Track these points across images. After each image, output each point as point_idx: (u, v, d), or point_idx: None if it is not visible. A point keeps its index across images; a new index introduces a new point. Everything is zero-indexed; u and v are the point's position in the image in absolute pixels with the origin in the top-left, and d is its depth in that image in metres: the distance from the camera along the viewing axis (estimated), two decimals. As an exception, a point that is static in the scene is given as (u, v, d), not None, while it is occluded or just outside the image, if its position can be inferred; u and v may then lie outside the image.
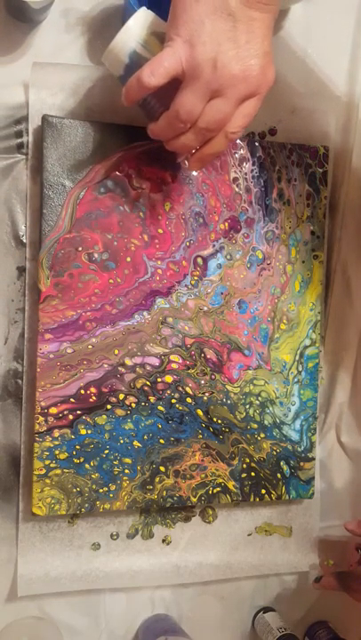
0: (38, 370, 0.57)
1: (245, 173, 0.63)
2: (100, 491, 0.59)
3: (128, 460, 0.60)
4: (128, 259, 0.59)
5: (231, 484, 0.64)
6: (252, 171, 0.63)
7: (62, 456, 0.58)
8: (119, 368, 0.59)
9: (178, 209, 0.61)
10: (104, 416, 0.59)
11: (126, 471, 0.60)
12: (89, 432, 0.59)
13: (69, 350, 0.58)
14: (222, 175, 0.62)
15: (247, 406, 0.64)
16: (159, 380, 0.61)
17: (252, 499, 0.65)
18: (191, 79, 0.45)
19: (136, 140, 0.58)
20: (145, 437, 0.60)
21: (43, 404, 0.57)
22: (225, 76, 0.45)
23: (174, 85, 0.47)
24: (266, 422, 0.65)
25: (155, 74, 0.45)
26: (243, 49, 0.45)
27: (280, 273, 0.65)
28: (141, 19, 0.50)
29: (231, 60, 0.45)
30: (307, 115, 0.66)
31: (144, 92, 0.47)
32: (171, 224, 0.60)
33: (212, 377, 0.62)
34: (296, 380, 0.66)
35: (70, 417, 0.58)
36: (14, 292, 0.59)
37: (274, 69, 0.48)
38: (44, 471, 0.58)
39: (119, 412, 0.60)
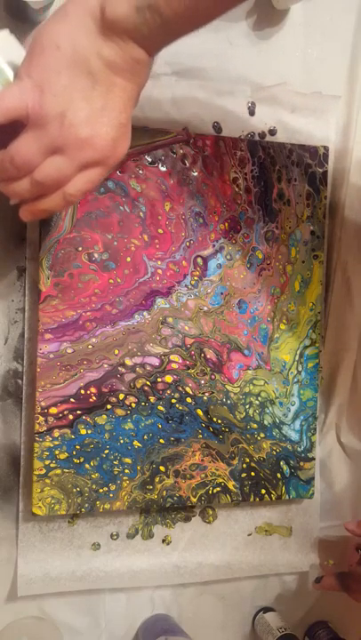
0: (38, 370, 0.57)
1: (245, 173, 0.63)
2: (100, 491, 0.59)
3: (128, 460, 0.60)
4: (128, 259, 0.59)
5: (231, 484, 0.64)
6: (252, 171, 0.63)
7: (62, 456, 0.58)
8: (119, 368, 0.59)
9: (178, 209, 0.61)
10: (104, 416, 0.59)
11: (126, 471, 0.60)
12: (89, 432, 0.59)
13: (69, 350, 0.58)
14: (222, 175, 0.62)
15: (247, 406, 0.64)
16: (159, 379, 0.61)
17: (252, 499, 0.65)
18: (35, 127, 0.41)
19: (136, 140, 0.58)
20: (145, 437, 0.60)
21: (43, 403, 0.57)
22: (71, 137, 0.42)
23: (16, 125, 0.42)
24: (265, 422, 0.65)
25: None
26: (96, 114, 0.42)
27: (280, 273, 0.65)
28: (1, 44, 0.44)
29: (81, 121, 0.41)
30: (307, 115, 0.66)
31: None
32: (171, 224, 0.60)
33: (212, 377, 0.62)
34: (296, 380, 0.66)
35: (70, 417, 0.58)
36: (14, 292, 0.59)
37: (128, 142, 0.45)
38: (43, 471, 0.58)
39: (119, 411, 0.60)
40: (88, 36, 0.41)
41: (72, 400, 0.58)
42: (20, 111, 0.41)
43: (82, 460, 0.59)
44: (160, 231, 0.60)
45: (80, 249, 0.58)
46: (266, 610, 0.69)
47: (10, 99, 0.41)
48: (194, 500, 0.63)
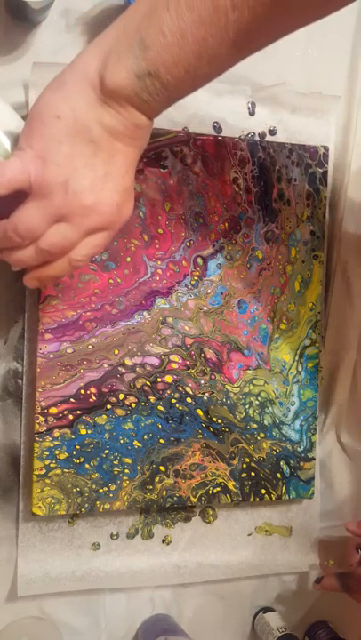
0: (38, 370, 0.57)
1: (245, 173, 0.63)
2: (100, 491, 0.59)
3: (128, 460, 0.60)
4: (128, 259, 0.59)
5: (231, 484, 0.64)
6: (252, 171, 0.63)
7: (62, 456, 0.58)
8: (119, 368, 0.59)
9: (178, 209, 0.61)
10: (104, 416, 0.59)
11: (126, 471, 0.60)
12: (89, 432, 0.59)
13: (69, 350, 0.58)
14: (222, 175, 0.62)
15: (247, 406, 0.64)
16: (159, 379, 0.61)
17: (252, 499, 0.65)
18: (39, 197, 0.41)
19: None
20: (145, 437, 0.60)
21: (43, 403, 0.57)
22: (75, 205, 0.42)
23: (18, 194, 0.42)
24: (265, 422, 0.65)
25: None
26: (100, 180, 0.42)
27: (280, 273, 0.65)
28: None
29: (85, 189, 0.41)
30: (307, 115, 0.66)
31: None
32: (171, 224, 0.60)
33: (212, 377, 0.62)
34: (296, 379, 0.66)
35: (70, 417, 0.58)
36: (14, 291, 0.59)
37: (132, 205, 0.45)
38: (43, 471, 0.58)
39: (119, 411, 0.60)
40: (88, 104, 0.41)
41: (72, 400, 0.58)
42: (22, 182, 0.41)
43: (82, 460, 0.59)
44: (160, 231, 0.60)
45: (80, 249, 0.58)
46: (266, 610, 0.69)
47: (12, 170, 0.41)
48: (194, 500, 0.63)
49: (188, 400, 0.62)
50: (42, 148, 0.41)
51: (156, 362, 0.61)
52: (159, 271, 0.60)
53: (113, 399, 0.59)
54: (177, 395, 0.61)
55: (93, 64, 0.40)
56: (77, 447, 0.58)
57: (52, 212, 0.42)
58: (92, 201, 0.42)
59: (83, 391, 0.58)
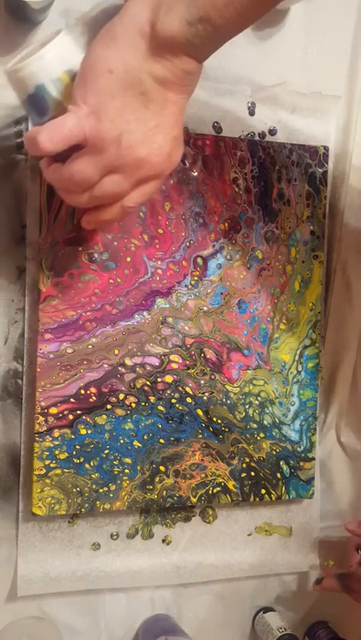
0: (38, 370, 0.57)
1: (245, 173, 0.63)
2: (100, 491, 0.59)
3: (128, 460, 0.60)
4: (128, 259, 0.59)
5: (231, 484, 0.64)
6: (252, 171, 0.63)
7: (62, 456, 0.58)
8: (119, 368, 0.59)
9: (178, 209, 0.61)
10: (104, 416, 0.59)
11: (126, 471, 0.60)
12: (89, 432, 0.59)
13: (69, 350, 0.58)
14: (222, 175, 0.62)
15: (247, 406, 0.64)
16: (159, 379, 0.61)
17: (251, 499, 0.65)
18: (93, 151, 0.43)
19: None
20: (145, 437, 0.60)
21: (43, 403, 0.57)
22: (128, 157, 0.44)
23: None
24: (265, 422, 0.65)
25: (53, 140, 0.42)
26: (151, 132, 0.44)
27: (280, 273, 0.65)
28: (60, 50, 0.45)
29: (138, 142, 0.43)
30: (307, 115, 0.66)
31: (41, 154, 0.44)
32: (171, 224, 0.60)
33: (212, 377, 0.62)
34: (296, 380, 0.66)
35: (70, 417, 0.58)
36: (14, 292, 0.59)
37: (181, 150, 0.47)
38: (44, 471, 0.58)
39: (119, 411, 0.60)
40: (139, 56, 0.42)
41: (72, 400, 0.58)
42: (78, 137, 0.43)
43: (82, 460, 0.59)
44: (160, 231, 0.60)
45: (80, 249, 0.58)
46: (266, 610, 0.69)
47: (69, 126, 0.42)
48: (194, 499, 0.63)
49: (188, 400, 0.62)
50: (95, 103, 0.42)
51: (156, 362, 0.61)
52: (159, 271, 0.60)
53: (113, 399, 0.59)
54: (177, 395, 0.61)
55: (144, 15, 0.42)
56: (77, 447, 0.58)
57: (106, 163, 0.44)
58: (144, 153, 0.44)
59: (83, 391, 0.58)
